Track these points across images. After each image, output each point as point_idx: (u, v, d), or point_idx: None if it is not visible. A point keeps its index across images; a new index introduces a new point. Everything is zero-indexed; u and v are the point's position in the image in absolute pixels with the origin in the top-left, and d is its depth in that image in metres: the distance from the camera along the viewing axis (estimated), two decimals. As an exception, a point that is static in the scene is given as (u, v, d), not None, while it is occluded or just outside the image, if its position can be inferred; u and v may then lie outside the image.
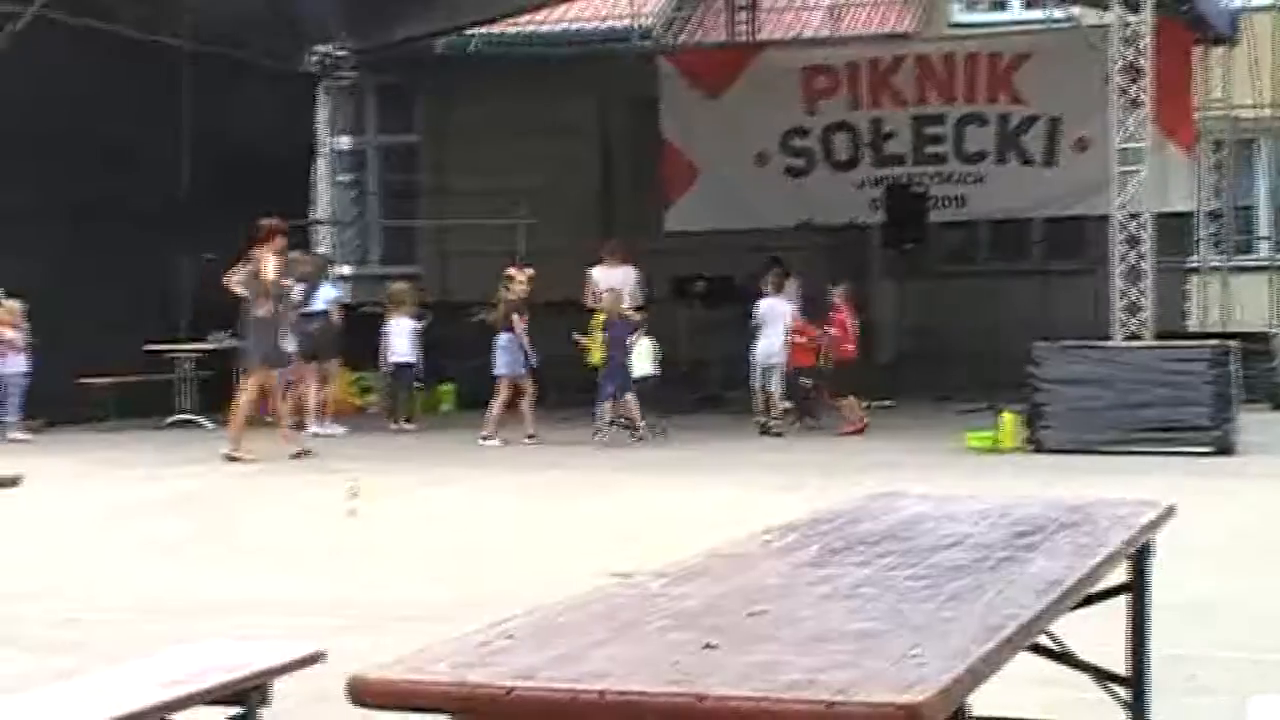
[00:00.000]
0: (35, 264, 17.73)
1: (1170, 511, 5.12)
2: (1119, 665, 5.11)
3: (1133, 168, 15.53)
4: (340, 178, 26.17)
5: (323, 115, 24.97)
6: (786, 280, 18.64)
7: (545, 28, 24.84)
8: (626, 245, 19.69)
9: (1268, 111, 21.54)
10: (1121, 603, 5.08)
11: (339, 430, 17.77)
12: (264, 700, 4.67)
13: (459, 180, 24.12)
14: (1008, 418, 15.50)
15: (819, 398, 18.07)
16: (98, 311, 18.34)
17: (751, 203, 22.08)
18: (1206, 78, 21.45)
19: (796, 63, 22.90)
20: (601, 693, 2.70)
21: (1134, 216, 15.47)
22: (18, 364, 17.56)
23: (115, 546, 10.56)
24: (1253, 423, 16.23)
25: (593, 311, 17.85)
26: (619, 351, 16.67)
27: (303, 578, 9.30)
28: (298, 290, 17.48)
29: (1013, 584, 3.72)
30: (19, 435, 17.16)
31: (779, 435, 16.86)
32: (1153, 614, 5.18)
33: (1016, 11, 25.19)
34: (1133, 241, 15.41)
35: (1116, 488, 10.75)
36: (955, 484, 11.00)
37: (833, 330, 17.55)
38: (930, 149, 22.39)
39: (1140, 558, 4.97)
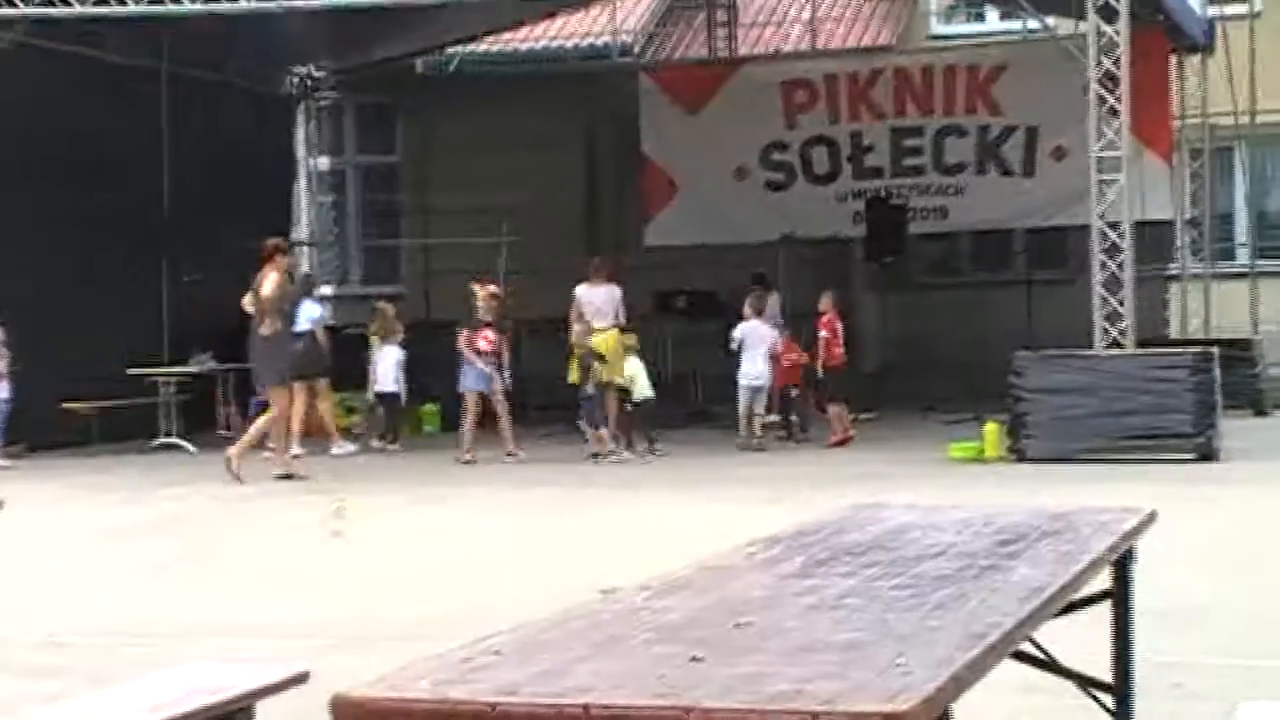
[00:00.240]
0: (15, 287, 17.67)
1: (1152, 518, 5.13)
2: (1104, 672, 5.12)
3: (1111, 177, 15.56)
4: (321, 198, 26.14)
5: (302, 135, 24.96)
6: (769, 297, 18.61)
7: (526, 46, 24.85)
8: (611, 263, 19.70)
9: (1244, 119, 21.60)
10: (1106, 609, 5.09)
11: (350, 448, 17.75)
12: (249, 722, 4.66)
13: (441, 199, 24.10)
14: (991, 428, 15.52)
15: (806, 407, 18.07)
16: (79, 334, 18.28)
17: (732, 217, 22.10)
18: (1183, 86, 21.52)
19: (776, 77, 22.94)
20: (586, 707, 2.69)
21: (1113, 225, 15.50)
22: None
23: (99, 570, 10.52)
24: (1235, 429, 16.27)
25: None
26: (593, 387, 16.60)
27: (288, 599, 9.28)
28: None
29: (996, 592, 3.72)
30: (0, 462, 17.07)
31: (760, 450, 16.83)
32: (1138, 620, 5.19)
33: (994, 23, 25.26)
34: (1113, 250, 15.44)
35: (1099, 495, 10.76)
36: (939, 494, 11.00)
37: (822, 333, 17.55)
38: (909, 161, 22.42)
39: (1123, 564, 4.98)
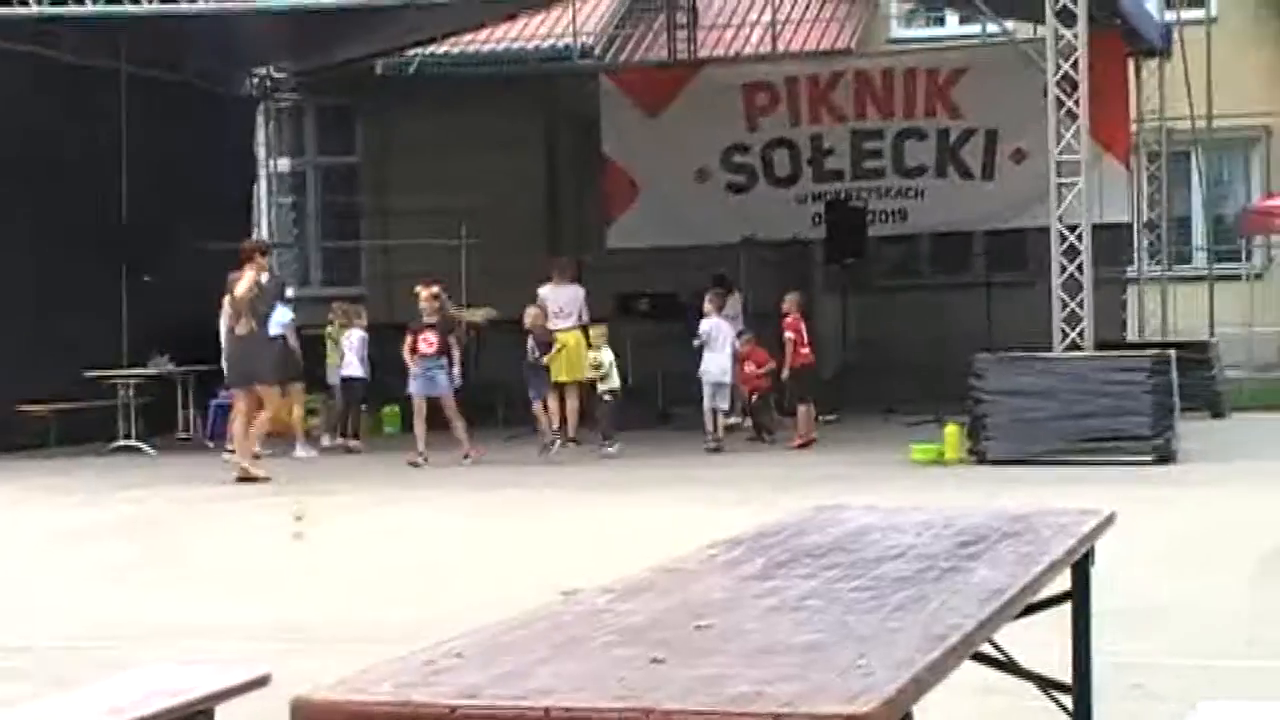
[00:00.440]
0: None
1: (1111, 519, 5.15)
2: (1063, 673, 5.14)
3: (1070, 179, 15.64)
4: (280, 199, 26.05)
5: (262, 137, 24.87)
6: (728, 298, 18.72)
7: (487, 47, 24.81)
8: (573, 263, 19.72)
9: (1201, 123, 21.74)
10: (1066, 611, 5.11)
11: (313, 453, 17.70)
12: (210, 725, 4.64)
13: (401, 201, 24.06)
14: (951, 430, 15.57)
15: (770, 410, 18.11)
16: (36, 336, 18.19)
17: (693, 219, 22.11)
18: (1141, 91, 21.64)
19: (736, 80, 22.96)
20: (547, 710, 2.69)
21: (1072, 228, 15.57)
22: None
23: (59, 573, 10.47)
24: (1192, 431, 16.38)
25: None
26: (531, 359, 16.87)
27: (249, 601, 9.24)
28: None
29: (957, 594, 3.73)
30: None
31: (718, 450, 16.87)
32: (1097, 621, 5.21)
33: (953, 27, 25.35)
34: (1071, 253, 15.51)
35: (1059, 497, 10.81)
36: (900, 496, 11.04)
37: (788, 334, 17.59)
38: (869, 164, 22.48)
39: (1082, 566, 5.01)
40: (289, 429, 17.80)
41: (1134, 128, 21.31)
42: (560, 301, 18.64)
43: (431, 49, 24.41)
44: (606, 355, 17.30)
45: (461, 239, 21.17)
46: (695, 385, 17.60)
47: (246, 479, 15.10)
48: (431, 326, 16.78)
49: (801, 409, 17.40)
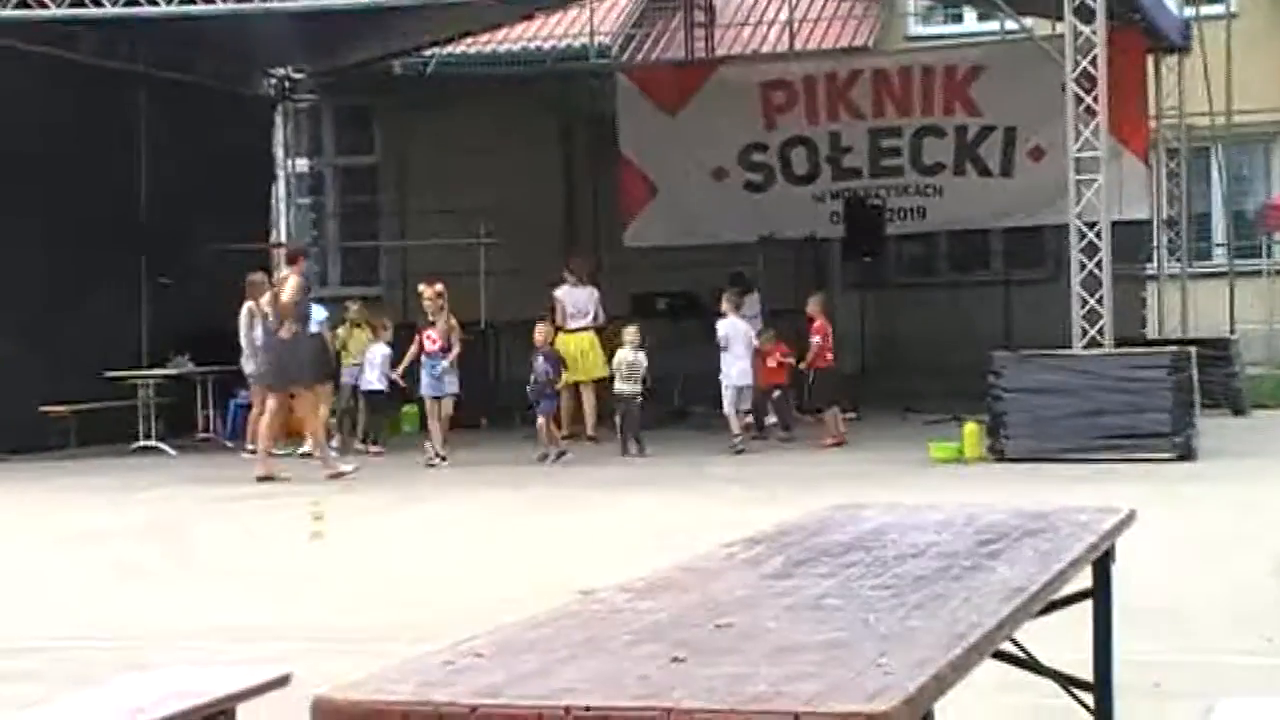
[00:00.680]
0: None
1: (1132, 517, 5.14)
2: (1084, 671, 5.13)
3: (1089, 176, 15.60)
4: (299, 200, 26.09)
5: (280, 138, 24.91)
6: (747, 297, 18.65)
7: (503, 47, 24.83)
8: (589, 263, 19.73)
9: (1221, 119, 21.67)
10: (1086, 609, 5.10)
11: (346, 467, 17.65)
12: (230, 725, 4.65)
13: (419, 201, 24.09)
14: (970, 428, 15.55)
15: (789, 408, 18.09)
16: (57, 337, 18.24)
17: (710, 218, 22.09)
18: (1160, 87, 21.57)
19: (754, 78, 22.93)
20: (567, 709, 2.69)
21: (1091, 225, 15.54)
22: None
23: (79, 573, 10.49)
24: (1213, 428, 16.34)
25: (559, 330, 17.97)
26: (541, 378, 16.72)
27: (269, 602, 9.26)
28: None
29: (977, 592, 3.73)
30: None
31: (741, 451, 16.82)
32: (1118, 619, 5.20)
33: (971, 24, 25.31)
34: (1091, 250, 15.47)
35: (1079, 495, 10.80)
36: (919, 494, 11.02)
37: (815, 338, 17.55)
38: (888, 161, 22.43)
39: (1102, 564, 4.99)
40: (303, 430, 17.79)
41: (1153, 124, 21.24)
42: (578, 302, 18.66)
43: (449, 49, 24.45)
44: (641, 358, 17.19)
45: (479, 238, 21.19)
46: (713, 384, 17.57)
47: (266, 479, 15.14)
48: (432, 324, 16.87)
49: (829, 412, 17.36)
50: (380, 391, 18.34)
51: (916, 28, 25.92)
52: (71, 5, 16.84)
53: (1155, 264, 22.68)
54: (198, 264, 19.89)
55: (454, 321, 17.11)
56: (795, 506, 6.39)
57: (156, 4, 16.81)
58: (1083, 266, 15.45)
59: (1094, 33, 15.46)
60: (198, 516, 13.13)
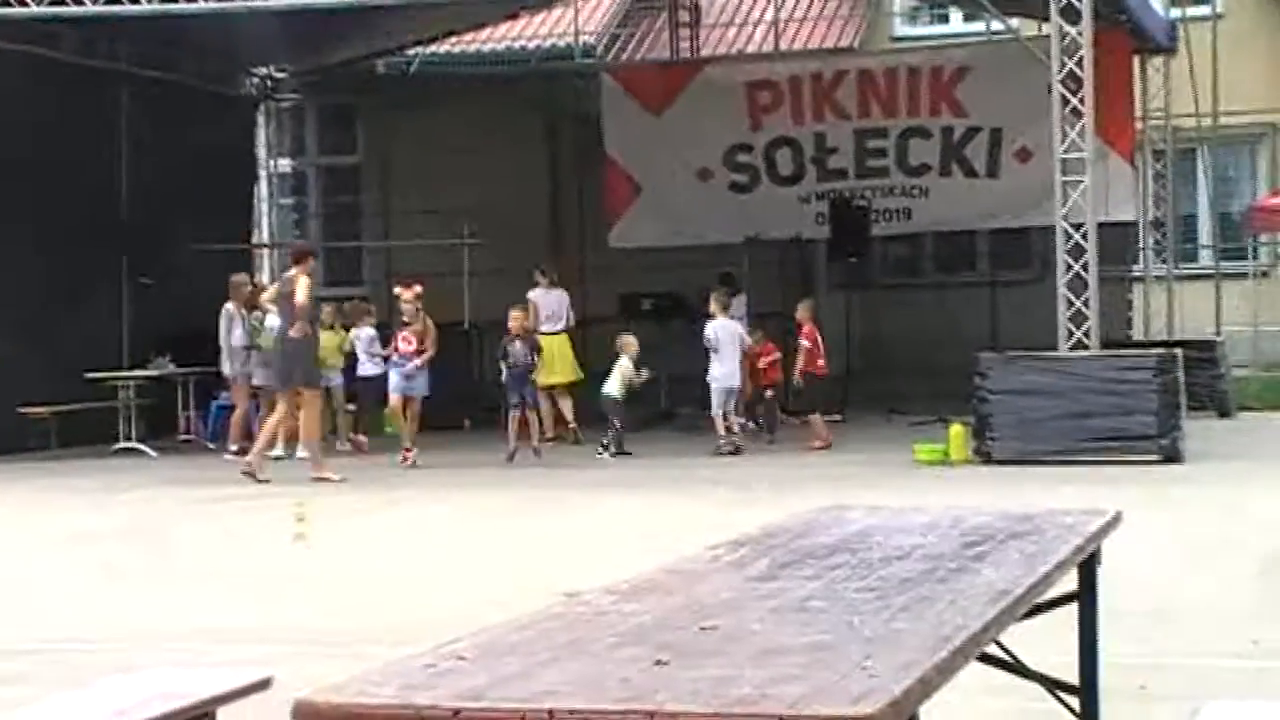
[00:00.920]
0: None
1: (1117, 519, 5.15)
2: (1069, 674, 5.14)
3: (1075, 178, 15.63)
4: (281, 200, 26.06)
5: (263, 137, 24.87)
6: (734, 298, 18.63)
7: (488, 46, 24.84)
8: (567, 264, 19.76)
9: (1207, 121, 21.73)
10: (1072, 611, 5.11)
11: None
12: (211, 728, 4.64)
13: (403, 201, 24.07)
14: (956, 430, 15.57)
15: (775, 412, 18.11)
16: (36, 338, 18.19)
17: (695, 219, 22.10)
18: (1146, 88, 21.63)
19: (739, 78, 22.94)
20: (550, 711, 2.69)
21: (1077, 226, 15.57)
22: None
23: (60, 575, 10.47)
24: (1199, 430, 16.37)
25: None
26: (520, 363, 16.77)
27: (251, 604, 9.24)
28: (273, 316, 17.36)
29: (962, 594, 3.73)
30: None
31: (735, 453, 16.80)
32: (1104, 622, 5.21)
33: (957, 25, 25.35)
34: (1077, 251, 15.50)
35: (1065, 497, 10.83)
36: (905, 497, 11.03)
37: (804, 343, 17.56)
38: (873, 162, 22.45)
39: (1088, 566, 5.00)
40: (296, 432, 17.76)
41: (1139, 125, 21.29)
42: (550, 305, 18.72)
43: (433, 48, 24.44)
44: (642, 374, 17.35)
45: (463, 239, 21.18)
46: (699, 385, 17.57)
47: (321, 478, 15.16)
48: (407, 324, 16.91)
49: (815, 417, 17.38)
50: (374, 376, 18.14)
51: (902, 28, 25.97)
52: (52, 3, 16.80)
53: (1141, 265, 22.73)
54: (179, 264, 19.85)
55: (429, 324, 17.13)
56: (780, 509, 6.40)
57: (139, 2, 16.77)
58: (1068, 268, 15.48)
59: (1079, 34, 15.48)
60: (180, 518, 13.11)
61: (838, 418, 19.02)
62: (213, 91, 22.30)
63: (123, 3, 16.80)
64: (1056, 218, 15.72)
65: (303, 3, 17.64)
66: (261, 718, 4.80)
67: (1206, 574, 9.37)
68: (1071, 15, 15.50)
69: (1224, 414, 19.61)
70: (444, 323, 18.10)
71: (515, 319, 17.21)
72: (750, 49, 24.41)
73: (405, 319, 17.03)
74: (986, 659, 4.38)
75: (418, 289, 17.14)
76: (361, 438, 18.21)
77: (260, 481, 14.99)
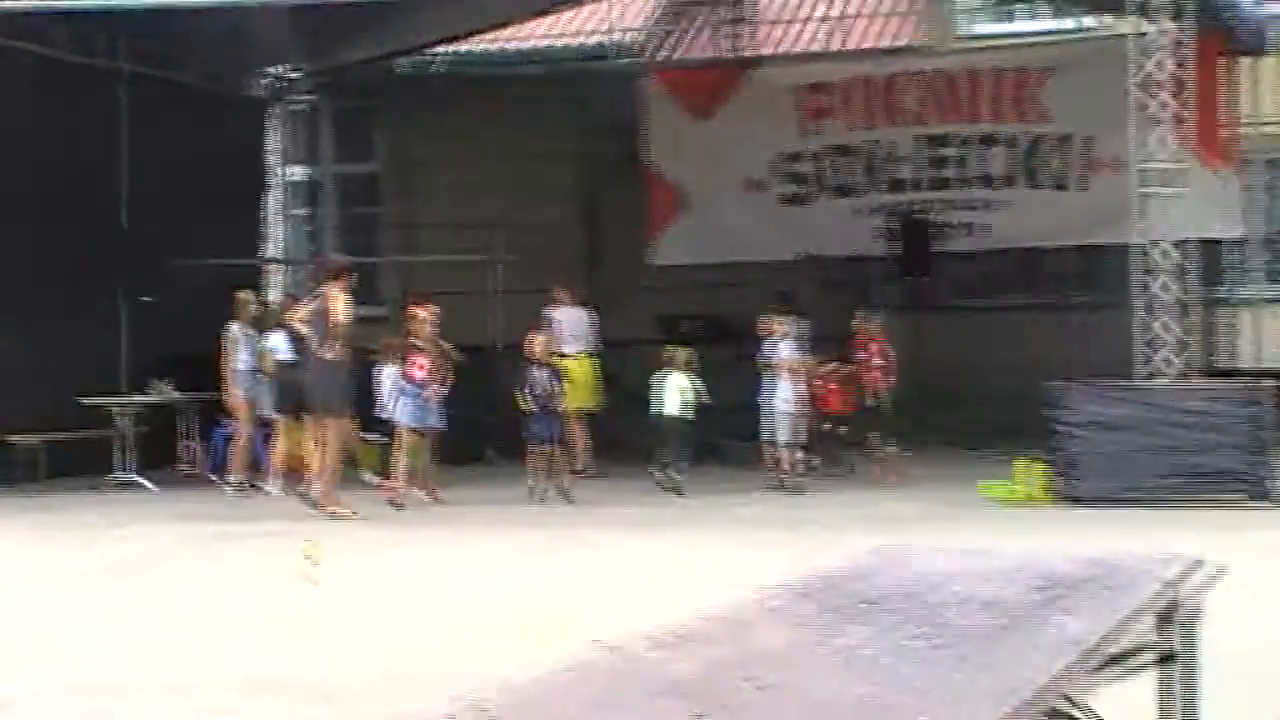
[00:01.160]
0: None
1: (1199, 565, 5.13)
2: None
3: (1157, 190, 15.56)
4: (294, 211, 26.16)
5: (274, 143, 24.95)
6: (795, 318, 18.48)
7: (515, 45, 24.87)
8: (599, 282, 19.77)
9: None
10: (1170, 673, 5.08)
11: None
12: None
13: (424, 213, 24.14)
14: (1026, 465, 15.51)
15: (839, 443, 18.05)
16: (26, 359, 18.18)
17: (744, 234, 22.09)
18: (1234, 92, 21.51)
19: (792, 80, 22.95)
20: (581, 769, 2.70)
21: (1156, 243, 15.51)
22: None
23: (49, 617, 10.51)
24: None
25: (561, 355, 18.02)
26: (545, 396, 16.71)
27: (253, 650, 9.26)
28: (277, 337, 17.39)
29: (1029, 644, 3.73)
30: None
31: (780, 488, 16.76)
32: (1192, 680, 5.18)
33: (1032, 22, 25.25)
34: (1159, 271, 15.44)
35: (1145, 539, 10.76)
36: (969, 537, 11.01)
37: (875, 360, 17.52)
38: (941, 173, 22.39)
39: (1176, 616, 4.98)
40: (302, 463, 17.81)
41: (1229, 133, 21.18)
42: (571, 323, 18.70)
43: (456, 47, 24.48)
44: (680, 381, 17.27)
45: (490, 255, 21.21)
46: (745, 416, 17.48)
47: (338, 515, 15.19)
48: (422, 350, 16.65)
49: (887, 449, 17.33)
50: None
51: (973, 25, 25.90)
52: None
53: (1229, 287, 22.59)
54: (183, 280, 19.88)
55: (446, 348, 16.99)
56: (835, 549, 6.39)
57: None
58: (1148, 289, 15.42)
59: (1163, 33, 15.44)
60: (180, 556, 13.15)
61: (905, 451, 18.95)
62: (220, 93, 22.33)
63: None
64: (1135, 234, 15.66)
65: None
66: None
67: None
68: (1160, 12, 15.43)
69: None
70: (466, 345, 18.04)
71: (537, 343, 17.08)
72: (805, 48, 24.34)
73: (418, 343, 16.74)
74: (1057, 716, 4.37)
75: (435, 309, 17.01)
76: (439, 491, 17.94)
77: (338, 517, 15.02)
